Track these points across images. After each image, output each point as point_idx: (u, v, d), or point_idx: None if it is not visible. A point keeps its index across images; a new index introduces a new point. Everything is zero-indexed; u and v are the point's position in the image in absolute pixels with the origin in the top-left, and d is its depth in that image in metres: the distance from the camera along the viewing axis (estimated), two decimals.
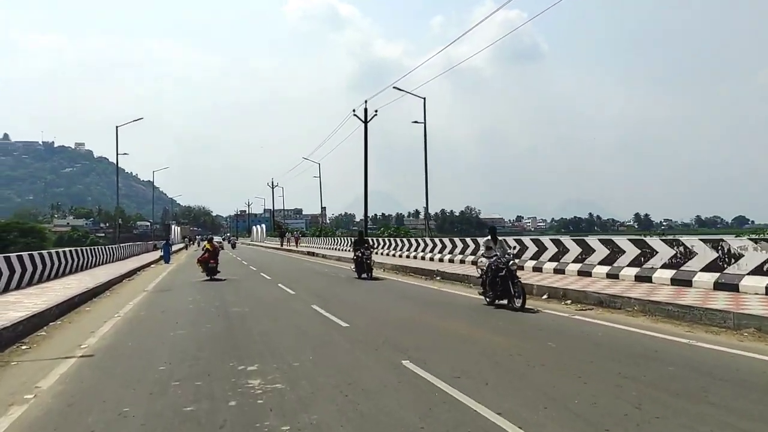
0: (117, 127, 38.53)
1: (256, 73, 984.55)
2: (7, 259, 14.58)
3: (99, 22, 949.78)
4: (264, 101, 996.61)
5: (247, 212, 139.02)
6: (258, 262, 30.94)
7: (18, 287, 14.79)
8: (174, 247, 61.35)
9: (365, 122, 35.30)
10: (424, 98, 32.27)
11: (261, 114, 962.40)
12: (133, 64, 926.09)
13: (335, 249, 40.14)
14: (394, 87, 31.73)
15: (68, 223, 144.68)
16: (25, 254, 16.22)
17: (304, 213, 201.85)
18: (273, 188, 78.50)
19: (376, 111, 36.02)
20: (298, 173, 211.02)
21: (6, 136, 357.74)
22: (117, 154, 39.24)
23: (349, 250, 28.13)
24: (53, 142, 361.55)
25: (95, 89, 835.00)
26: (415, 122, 32.85)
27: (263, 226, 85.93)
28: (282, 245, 50.20)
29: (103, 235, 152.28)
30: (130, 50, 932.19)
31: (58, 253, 19.69)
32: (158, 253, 37.04)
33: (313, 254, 39.11)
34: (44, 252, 18.73)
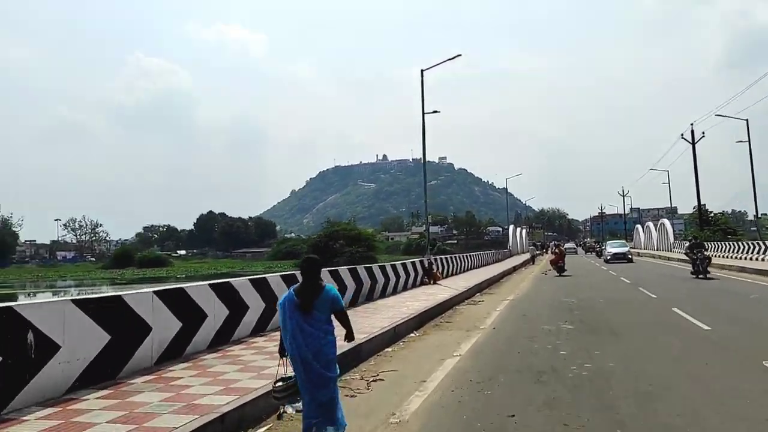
0: (422, 70, 24.24)
1: (607, 71, 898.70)
2: None
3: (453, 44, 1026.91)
4: (616, 99, 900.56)
5: (615, 212, 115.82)
6: None
7: None
8: (509, 262, 40.92)
9: None
10: None
11: (613, 113, 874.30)
12: (488, 77, 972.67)
13: None
14: None
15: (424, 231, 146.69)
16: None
17: (679, 212, 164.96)
18: (694, 143, 47.96)
19: None
20: (666, 165, 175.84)
21: (385, 156, 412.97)
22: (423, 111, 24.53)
23: None
24: (420, 158, 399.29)
25: (453, 105, 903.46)
26: None
27: (650, 225, 65.38)
28: None
29: (455, 242, 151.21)
30: (482, 65, 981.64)
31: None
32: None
33: None
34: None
